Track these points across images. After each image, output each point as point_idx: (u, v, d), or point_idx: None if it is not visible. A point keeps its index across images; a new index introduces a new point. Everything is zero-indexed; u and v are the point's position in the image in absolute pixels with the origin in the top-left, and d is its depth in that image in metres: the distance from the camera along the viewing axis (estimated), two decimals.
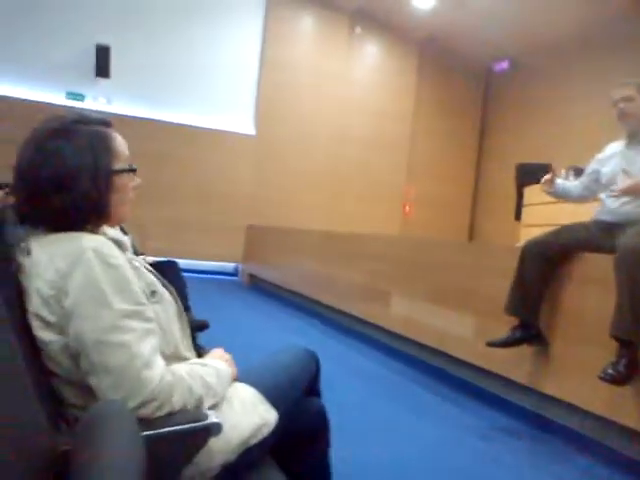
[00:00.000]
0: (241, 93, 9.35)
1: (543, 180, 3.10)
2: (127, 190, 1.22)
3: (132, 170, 1.23)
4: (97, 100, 8.41)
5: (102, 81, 8.37)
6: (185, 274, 3.80)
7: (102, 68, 8.27)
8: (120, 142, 1.21)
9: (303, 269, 6.41)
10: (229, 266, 9.21)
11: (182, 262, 4.64)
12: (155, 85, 8.70)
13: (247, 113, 9.40)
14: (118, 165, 1.19)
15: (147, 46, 8.63)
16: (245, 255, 8.70)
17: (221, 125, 9.15)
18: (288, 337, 4.68)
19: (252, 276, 8.27)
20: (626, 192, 2.61)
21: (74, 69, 8.30)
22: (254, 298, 7.16)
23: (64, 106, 8.05)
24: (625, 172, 2.66)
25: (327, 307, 5.61)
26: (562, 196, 3.20)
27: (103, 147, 1.16)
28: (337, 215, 9.68)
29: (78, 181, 1.10)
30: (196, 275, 7.70)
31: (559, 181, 3.16)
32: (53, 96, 8.14)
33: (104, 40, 8.21)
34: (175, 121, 8.79)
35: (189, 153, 8.85)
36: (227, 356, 1.31)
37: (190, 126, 8.89)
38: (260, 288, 7.83)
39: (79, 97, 8.37)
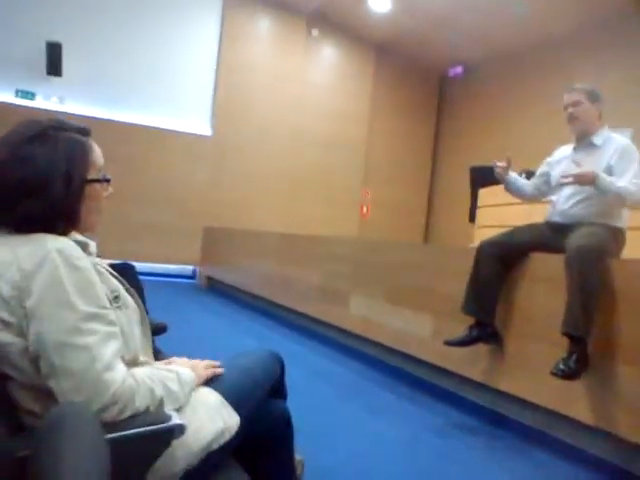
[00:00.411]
0: (197, 93, 9.26)
1: (498, 165, 3.17)
2: (99, 199, 1.21)
3: (106, 180, 1.22)
4: (49, 99, 8.18)
5: (54, 79, 8.14)
6: (142, 277, 3.74)
7: (53, 66, 8.04)
8: (96, 152, 1.21)
9: (261, 271, 6.39)
10: (187, 269, 9.10)
11: (138, 265, 4.57)
12: (109, 85, 8.53)
13: (203, 114, 9.32)
14: (92, 174, 1.18)
15: (101, 44, 8.45)
16: (203, 257, 8.61)
17: (176, 126, 9.04)
18: (247, 340, 4.66)
19: (210, 278, 8.19)
20: (575, 178, 2.68)
21: (24, 66, 8.06)
22: (212, 301, 7.09)
23: (14, 104, 7.81)
24: (575, 162, 2.75)
25: (286, 309, 5.61)
26: (515, 193, 3.26)
27: (78, 156, 1.15)
28: (295, 217, 9.69)
29: (49, 188, 1.09)
30: (153, 278, 7.58)
31: (513, 175, 3.23)
32: (2, 94, 7.88)
33: (55, 37, 7.99)
34: (129, 121, 8.63)
35: (143, 154, 8.70)
36: (194, 362, 1.31)
37: (144, 126, 8.75)
38: (218, 290, 7.76)
39: (29, 95, 8.13)
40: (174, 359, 1.34)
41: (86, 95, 8.36)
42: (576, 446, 2.60)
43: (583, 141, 2.95)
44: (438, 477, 2.28)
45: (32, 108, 7.89)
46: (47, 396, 1.01)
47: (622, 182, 2.65)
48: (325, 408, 3.04)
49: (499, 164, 3.16)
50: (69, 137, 1.15)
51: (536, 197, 3.25)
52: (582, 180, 2.65)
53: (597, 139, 2.89)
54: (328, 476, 2.15)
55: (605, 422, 2.43)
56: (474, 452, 2.59)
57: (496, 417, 3.02)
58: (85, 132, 1.21)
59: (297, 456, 1.58)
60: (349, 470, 2.25)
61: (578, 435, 2.60)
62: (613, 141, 2.85)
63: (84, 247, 1.15)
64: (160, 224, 8.76)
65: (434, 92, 11.26)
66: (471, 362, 3.13)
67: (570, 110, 2.93)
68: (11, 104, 7.81)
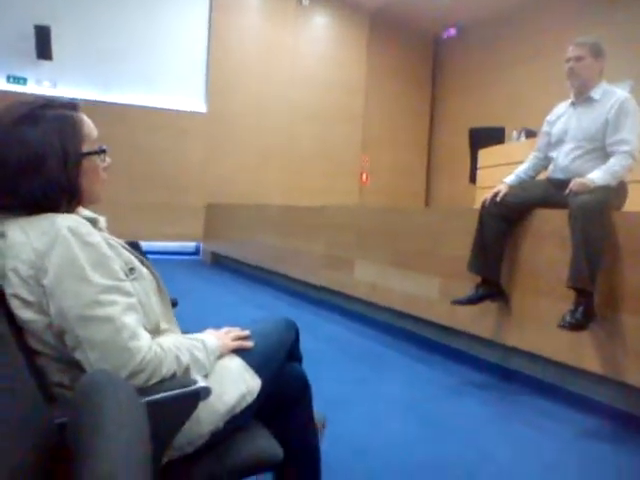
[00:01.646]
0: (190, 70, 9.16)
1: (490, 197, 2.98)
2: (98, 171, 1.22)
3: (102, 151, 1.23)
4: (41, 84, 8.10)
5: (45, 63, 8.05)
6: (148, 255, 3.78)
7: (43, 50, 7.93)
8: (88, 124, 1.21)
9: (265, 244, 6.42)
10: (190, 245, 9.15)
11: (143, 244, 4.60)
12: (100, 65, 8.42)
13: (197, 90, 9.23)
14: (87, 147, 1.18)
15: (89, 25, 8.33)
16: (206, 234, 8.64)
17: (171, 104, 8.96)
18: (256, 311, 4.71)
19: (214, 254, 8.23)
20: (575, 190, 2.65)
21: (14, 52, 7.95)
22: (218, 275, 7.14)
23: (5, 90, 7.74)
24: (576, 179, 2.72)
25: (292, 279, 5.66)
26: (527, 180, 3.22)
27: (71, 131, 1.15)
28: (294, 190, 9.66)
29: (47, 166, 1.10)
30: (157, 256, 7.62)
31: (509, 180, 3.15)
32: None
33: (43, 20, 7.87)
34: (123, 102, 8.55)
35: (138, 134, 8.64)
36: (222, 331, 1.35)
37: (139, 106, 8.67)
38: (223, 265, 7.81)
39: (21, 81, 8.05)
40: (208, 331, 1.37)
41: (78, 78, 8.28)
42: (586, 396, 2.66)
43: (581, 96, 2.94)
44: (453, 434, 2.33)
45: (24, 94, 7.82)
46: (75, 367, 1.04)
47: (612, 159, 2.71)
48: (337, 373, 3.09)
49: (490, 197, 3.00)
50: (59, 114, 1.15)
51: (544, 166, 3.19)
52: (580, 190, 2.62)
53: (595, 93, 2.88)
54: (344, 438, 2.21)
55: (613, 371, 2.48)
56: (487, 408, 2.64)
57: (507, 373, 3.08)
58: (73, 107, 1.21)
59: (317, 415, 1.63)
60: (364, 431, 2.31)
61: (587, 385, 2.66)
62: (611, 95, 2.84)
63: (94, 223, 1.17)
64: (160, 203, 8.76)
65: (429, 55, 11.13)
66: (479, 320, 3.18)
67: (571, 65, 2.90)
68: (3, 90, 7.74)
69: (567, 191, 2.65)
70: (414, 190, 11.01)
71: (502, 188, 2.98)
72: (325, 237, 5.08)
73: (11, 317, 1.03)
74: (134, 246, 3.90)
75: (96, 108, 8.24)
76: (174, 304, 3.43)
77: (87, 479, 0.59)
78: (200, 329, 1.38)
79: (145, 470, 0.63)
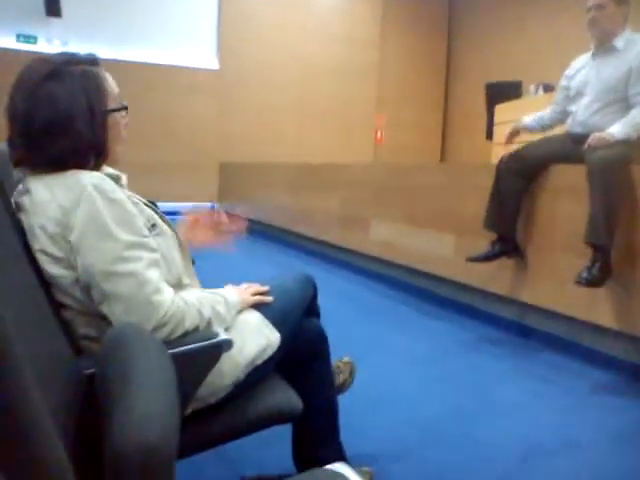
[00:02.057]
0: (201, 26, 8.99)
1: (507, 136, 3.16)
2: (120, 128, 1.23)
3: (124, 108, 1.23)
4: (52, 42, 8.02)
5: (54, 21, 7.95)
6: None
7: (52, 7, 7.82)
8: (110, 81, 1.21)
9: (280, 202, 6.43)
10: (205, 205, 9.17)
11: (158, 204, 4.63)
12: (111, 22, 8.30)
13: (209, 47, 9.08)
14: (111, 104, 1.19)
15: None
16: (220, 193, 8.64)
17: (183, 61, 8.84)
18: (271, 268, 4.75)
19: (229, 214, 8.24)
20: (594, 144, 2.60)
21: (22, 9, 7.85)
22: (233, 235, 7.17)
23: (16, 50, 7.67)
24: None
25: (307, 238, 5.68)
26: (541, 130, 3.22)
27: (95, 87, 1.15)
28: (309, 147, 9.59)
29: (74, 123, 1.10)
30: (172, 217, 7.65)
31: (528, 120, 3.20)
32: (3, 40, 7.73)
33: None
34: (135, 59, 8.46)
35: (152, 92, 8.56)
36: (242, 286, 1.38)
37: (151, 64, 8.57)
38: None
39: (31, 39, 7.97)
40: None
41: (88, 35, 8.17)
42: (601, 351, 2.67)
43: (603, 46, 2.84)
44: (467, 386, 2.37)
45: (35, 52, 7.72)
46: (101, 320, 1.07)
47: (634, 111, 2.64)
48: (354, 329, 3.13)
49: (507, 134, 3.19)
50: (83, 70, 1.15)
51: (561, 120, 3.16)
52: (599, 145, 2.55)
53: (618, 42, 2.78)
54: (358, 391, 2.25)
55: (629, 326, 2.49)
56: (502, 363, 2.68)
57: (522, 329, 3.10)
58: (95, 62, 1.21)
59: (346, 358, 1.68)
60: (378, 385, 2.34)
61: (603, 341, 2.67)
62: (636, 43, 2.74)
63: (117, 180, 1.18)
64: (173, 162, 8.74)
65: (445, 8, 10.81)
66: (495, 277, 3.18)
67: (593, 14, 2.79)
68: (13, 50, 7.67)
69: (585, 146, 2.60)
70: (430, 147, 10.86)
71: (519, 127, 3.06)
72: (340, 195, 5.06)
73: (38, 272, 1.05)
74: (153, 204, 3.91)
75: (107, 66, 8.13)
76: (192, 262, 3.49)
77: (120, 423, 0.61)
78: (218, 286, 1.40)
79: (174, 417, 0.65)
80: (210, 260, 4.70)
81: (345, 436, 1.59)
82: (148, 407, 0.63)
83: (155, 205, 3.83)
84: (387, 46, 10.31)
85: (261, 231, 6.94)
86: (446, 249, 3.60)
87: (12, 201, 1.10)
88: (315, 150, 9.48)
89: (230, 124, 9.13)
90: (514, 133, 3.17)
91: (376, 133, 10.40)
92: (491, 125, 6.40)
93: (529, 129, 3.24)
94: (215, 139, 9.02)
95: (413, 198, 4.01)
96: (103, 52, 8.11)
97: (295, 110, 9.67)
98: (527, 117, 3.16)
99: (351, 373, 1.84)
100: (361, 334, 3.05)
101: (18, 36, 7.91)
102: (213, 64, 9.08)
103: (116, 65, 8.05)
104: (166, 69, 8.67)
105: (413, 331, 3.14)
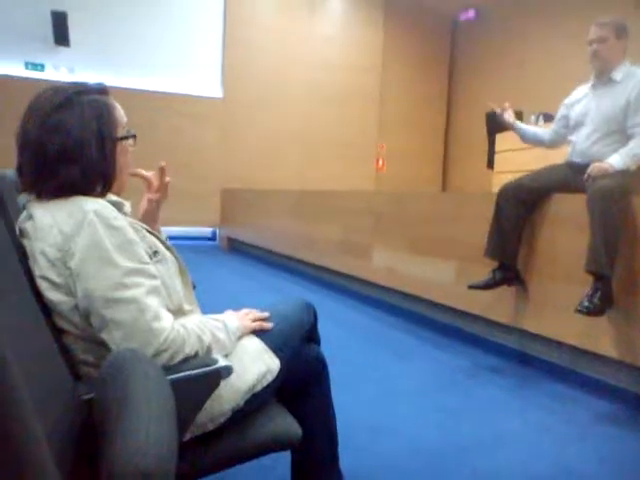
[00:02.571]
0: (206, 55, 9.14)
1: (496, 110, 3.29)
2: (127, 156, 1.26)
3: (133, 136, 1.25)
4: (59, 70, 8.15)
5: (62, 50, 8.10)
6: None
7: (60, 36, 7.98)
8: (119, 109, 1.24)
9: (282, 229, 6.45)
10: (206, 231, 9.20)
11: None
12: (117, 52, 8.45)
13: (213, 75, 9.22)
14: (120, 132, 1.22)
15: (105, 11, 8.34)
16: (222, 219, 8.68)
17: (188, 90, 8.97)
18: (272, 295, 4.75)
19: (230, 239, 8.28)
20: (594, 174, 2.63)
21: (32, 38, 8.00)
22: (234, 261, 7.19)
23: (24, 78, 7.80)
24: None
25: (309, 265, 5.68)
26: (533, 141, 3.28)
27: (105, 116, 1.18)
28: (310, 175, 9.65)
29: (85, 151, 1.13)
30: (175, 242, 7.65)
31: (521, 124, 3.27)
32: (11, 67, 7.87)
33: (59, 6, 7.91)
34: (140, 88, 8.58)
35: (157, 119, 8.66)
36: (242, 313, 1.38)
37: (156, 92, 8.69)
38: (239, 251, 7.86)
39: (39, 67, 8.10)
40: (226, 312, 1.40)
41: (95, 63, 8.31)
42: (603, 380, 2.66)
43: (602, 77, 2.90)
44: (467, 416, 2.35)
45: (42, 80, 7.85)
46: (100, 346, 1.07)
47: (632, 142, 2.68)
48: (352, 355, 3.12)
49: (497, 109, 3.22)
50: (93, 99, 1.18)
51: (556, 142, 3.23)
52: (599, 175, 2.59)
53: (617, 74, 2.84)
54: (358, 421, 2.24)
55: (631, 356, 2.48)
56: (503, 392, 2.65)
57: (523, 357, 3.08)
58: (105, 91, 1.24)
59: None
60: (378, 415, 2.33)
61: (604, 370, 2.65)
62: (634, 76, 2.80)
63: (119, 207, 1.19)
64: (177, 188, 8.64)
65: (446, 37, 10.98)
66: (496, 305, 3.18)
67: (595, 47, 2.86)
68: (21, 77, 7.79)
69: (585, 176, 2.63)
70: (431, 176, 10.93)
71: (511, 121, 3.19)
72: (342, 222, 5.08)
73: (40, 298, 1.06)
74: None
75: (112, 94, 8.27)
76: (192, 288, 3.49)
77: (117, 449, 0.62)
78: (217, 312, 1.41)
79: (172, 444, 0.65)
80: (210, 287, 4.74)
81: (344, 464, 1.58)
82: (146, 433, 0.63)
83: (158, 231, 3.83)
84: (388, 74, 10.45)
85: (263, 257, 6.95)
86: (447, 276, 3.60)
87: (17, 227, 1.12)
88: (317, 177, 9.55)
89: (233, 151, 9.22)
90: (504, 109, 3.26)
91: (377, 161, 10.48)
92: (492, 154, 6.46)
93: (521, 131, 3.30)
94: (218, 166, 9.10)
95: (414, 226, 4.03)
96: (108, 80, 8.24)
97: (298, 137, 9.77)
98: (533, 127, 3.24)
99: None
100: (361, 362, 3.03)
101: (26, 64, 8.04)
102: (217, 92, 9.21)
103: (121, 93, 8.11)
104: (171, 97, 8.79)
105: (413, 359, 3.12)
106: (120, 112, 1.24)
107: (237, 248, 8.01)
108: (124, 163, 1.24)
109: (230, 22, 9.15)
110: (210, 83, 9.18)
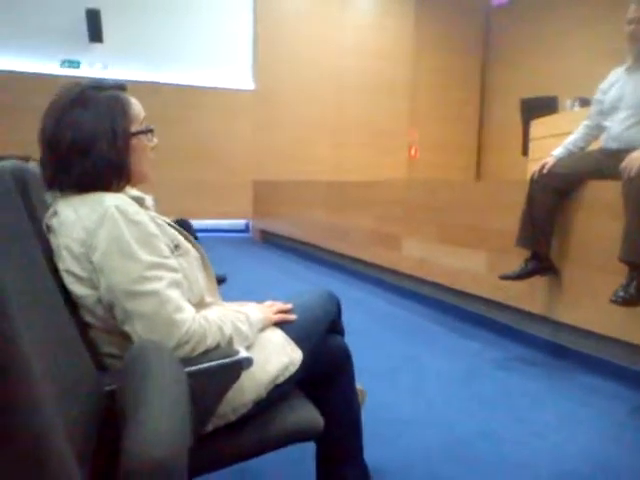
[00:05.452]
0: (237, 48, 9.20)
1: (538, 170, 2.93)
2: (146, 151, 1.27)
3: (149, 131, 1.27)
4: (93, 66, 8.31)
5: (96, 46, 8.25)
6: (197, 233, 3.88)
7: (95, 33, 8.14)
8: (135, 105, 1.26)
9: (313, 220, 6.46)
10: (240, 223, 9.28)
11: (193, 222, 4.72)
12: (149, 46, 8.57)
13: (244, 68, 9.27)
14: (135, 127, 1.23)
15: (137, 7, 8.46)
16: (255, 211, 8.74)
17: (220, 82, 9.05)
18: (303, 286, 4.77)
19: (263, 231, 8.33)
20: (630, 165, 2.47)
21: (66, 36, 8.18)
22: (267, 253, 7.24)
23: (60, 75, 7.97)
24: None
25: (340, 255, 5.68)
26: (582, 148, 3.12)
27: (119, 111, 1.20)
28: (343, 164, 9.65)
29: (97, 146, 1.15)
30: (207, 234, 7.78)
31: (562, 148, 3.08)
32: (48, 65, 8.05)
33: (93, 4, 8.06)
34: (173, 82, 8.69)
35: (189, 113, 8.79)
36: (265, 305, 1.40)
37: (188, 86, 8.80)
38: (272, 242, 7.91)
39: (75, 64, 8.27)
40: (247, 303, 1.42)
41: (128, 59, 8.44)
42: (638, 371, 2.59)
43: (638, 62, 2.79)
44: (498, 407, 2.32)
45: (78, 77, 8.01)
46: (124, 339, 1.09)
47: None
48: (384, 347, 3.12)
49: (537, 170, 2.94)
50: (108, 95, 1.20)
51: (595, 136, 3.08)
52: (637, 162, 2.44)
53: None
54: (389, 409, 2.24)
55: None
56: (536, 383, 2.61)
57: (556, 348, 3.03)
58: (122, 87, 1.26)
59: (359, 386, 1.65)
60: (409, 405, 2.32)
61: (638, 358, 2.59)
62: None
63: (140, 202, 1.21)
64: (210, 181, 8.91)
65: (479, 23, 10.78)
66: (529, 295, 3.13)
67: (633, 27, 2.73)
68: (57, 75, 7.97)
69: (622, 165, 2.52)
70: (465, 164, 10.79)
71: (550, 160, 2.90)
72: (373, 213, 5.06)
73: (65, 291, 1.09)
74: (185, 223, 4.01)
75: (146, 88, 8.46)
76: (222, 280, 3.52)
77: (130, 439, 0.63)
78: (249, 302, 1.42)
79: (183, 435, 0.66)
80: (243, 279, 4.79)
81: (374, 456, 1.57)
82: (157, 424, 0.64)
83: (188, 224, 3.92)
84: (421, 62, 10.33)
85: (295, 249, 6.98)
86: (479, 266, 3.55)
87: (44, 223, 1.15)
88: (350, 167, 9.54)
89: (265, 142, 9.27)
90: (544, 167, 3.01)
91: (410, 149, 10.38)
92: (527, 141, 6.33)
93: (562, 156, 3.11)
94: (250, 157, 9.17)
95: (446, 215, 3.98)
96: (141, 75, 8.45)
97: (329, 127, 9.75)
98: (556, 150, 3.06)
99: (362, 401, 1.81)
100: (393, 352, 3.03)
101: (63, 62, 8.22)
102: (249, 84, 9.26)
103: (154, 87, 8.38)
104: (203, 91, 8.88)
105: (445, 350, 3.10)
106: (137, 107, 1.25)
107: (270, 240, 8.06)
108: (141, 157, 1.25)
109: (260, 14, 9.17)
110: (241, 76, 9.23)
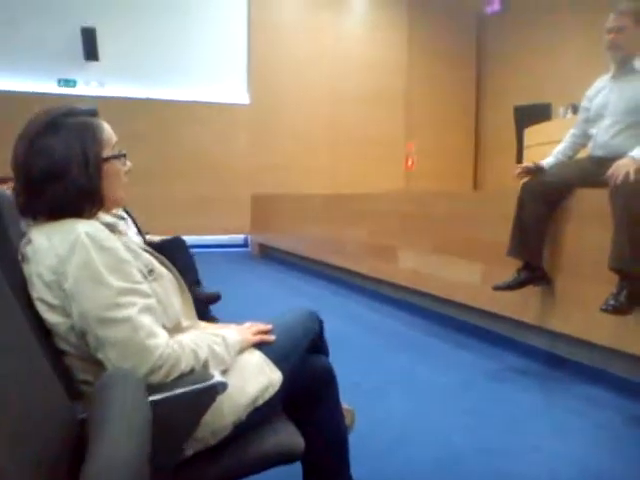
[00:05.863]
0: (232, 63, 9.27)
1: (517, 173, 3.03)
2: (119, 175, 1.27)
3: (121, 155, 1.27)
4: (89, 84, 8.37)
5: (92, 64, 8.33)
6: (196, 249, 3.88)
7: (90, 51, 8.22)
8: (107, 130, 1.26)
9: (310, 233, 6.47)
10: (238, 238, 9.30)
11: (190, 239, 4.71)
12: (145, 63, 8.64)
13: (240, 82, 9.34)
14: (107, 152, 1.23)
15: (132, 25, 8.55)
16: (253, 225, 8.76)
17: (215, 97, 9.10)
18: (301, 300, 4.76)
19: (262, 245, 8.34)
20: (617, 173, 2.44)
21: (62, 55, 8.26)
22: (265, 267, 7.24)
23: (57, 94, 8.03)
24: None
25: (338, 269, 5.68)
26: (571, 156, 3.13)
27: (90, 137, 1.21)
28: (340, 176, 9.66)
29: (68, 172, 1.15)
30: (206, 250, 7.78)
31: (550, 158, 3.10)
32: (45, 85, 8.11)
33: (88, 23, 8.13)
34: (169, 98, 8.75)
35: (185, 129, 8.83)
36: (243, 326, 1.39)
37: (184, 101, 8.86)
38: (271, 257, 7.91)
39: (71, 83, 8.35)
40: (227, 325, 1.42)
41: (124, 76, 8.51)
42: (634, 381, 2.58)
43: (623, 67, 2.80)
44: (493, 418, 2.31)
45: (75, 95, 8.06)
46: (98, 366, 1.09)
47: None
48: (378, 359, 3.11)
49: (517, 172, 3.03)
50: (78, 121, 1.21)
51: (582, 145, 3.09)
52: (624, 178, 2.41)
53: (638, 63, 2.74)
54: (382, 424, 2.22)
55: None
56: (532, 394, 2.60)
57: (551, 358, 3.02)
58: (93, 113, 1.27)
59: (347, 406, 1.64)
60: (404, 418, 2.31)
61: (634, 370, 2.57)
62: None
63: (112, 228, 1.21)
64: (207, 196, 8.93)
65: (472, 32, 10.83)
66: (522, 305, 3.12)
67: (612, 37, 2.76)
68: (55, 94, 8.03)
69: (609, 172, 2.51)
70: (462, 173, 10.80)
71: (531, 167, 2.91)
72: (368, 224, 5.07)
73: (39, 320, 1.09)
74: (178, 241, 3.98)
75: (142, 105, 8.53)
76: (217, 298, 3.49)
77: (88, 469, 0.63)
78: (246, 321, 1.42)
79: (140, 465, 0.66)
80: (241, 294, 4.79)
81: (367, 472, 1.55)
82: (114, 453, 0.64)
83: (181, 241, 3.88)
84: (415, 72, 10.38)
85: (293, 263, 6.98)
86: (474, 277, 3.55)
87: (19, 252, 1.15)
88: (347, 178, 9.55)
89: (261, 156, 9.30)
90: (526, 171, 3.04)
91: (407, 160, 10.40)
92: (521, 148, 6.35)
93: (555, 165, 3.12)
94: (248, 172, 9.20)
95: (440, 226, 3.99)
96: (137, 91, 8.51)
97: (325, 139, 9.79)
98: (545, 159, 3.07)
99: (351, 422, 1.79)
100: (387, 365, 3.02)
101: (59, 81, 8.29)
102: (244, 99, 9.31)
103: (149, 104, 8.42)
104: (199, 106, 8.94)
105: (440, 361, 3.09)
106: (108, 132, 1.26)
107: (269, 254, 8.06)
108: (114, 182, 1.25)
109: (254, 29, 9.25)
110: (237, 90, 9.30)
